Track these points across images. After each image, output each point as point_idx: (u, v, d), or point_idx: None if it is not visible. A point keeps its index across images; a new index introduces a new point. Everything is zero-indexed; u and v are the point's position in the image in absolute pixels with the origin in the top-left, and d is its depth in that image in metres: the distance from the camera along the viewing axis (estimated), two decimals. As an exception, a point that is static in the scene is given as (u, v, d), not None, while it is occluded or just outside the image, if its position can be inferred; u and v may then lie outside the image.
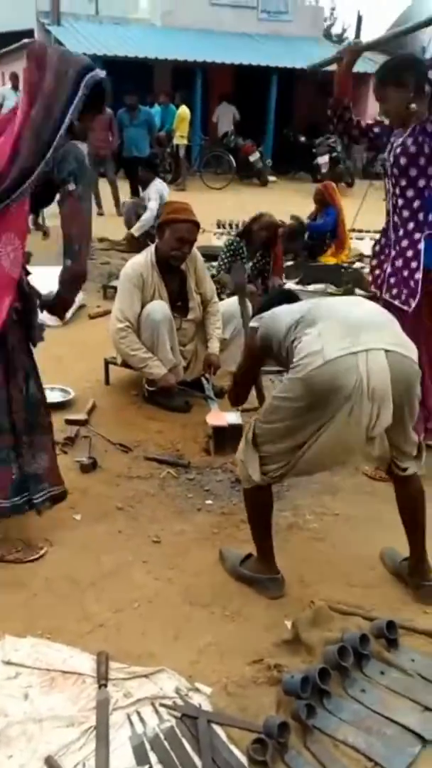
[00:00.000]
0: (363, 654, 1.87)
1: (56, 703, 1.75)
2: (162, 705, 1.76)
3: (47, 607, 2.11)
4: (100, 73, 2.12)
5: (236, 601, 2.17)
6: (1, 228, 2.04)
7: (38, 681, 1.82)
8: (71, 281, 2.29)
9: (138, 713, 1.73)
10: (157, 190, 6.94)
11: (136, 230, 7.15)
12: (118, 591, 2.19)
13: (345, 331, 1.83)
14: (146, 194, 7.19)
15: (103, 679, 1.81)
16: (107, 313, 4.81)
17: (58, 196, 2.17)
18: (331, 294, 5.59)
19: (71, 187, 2.12)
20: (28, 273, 2.27)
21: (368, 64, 16.25)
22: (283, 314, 2.07)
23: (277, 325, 2.05)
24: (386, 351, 1.83)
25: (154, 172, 7.14)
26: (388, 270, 2.90)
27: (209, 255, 6.10)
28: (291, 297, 2.32)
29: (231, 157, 13.94)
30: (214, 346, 3.58)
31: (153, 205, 6.91)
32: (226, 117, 15.20)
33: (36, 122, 2.03)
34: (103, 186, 9.30)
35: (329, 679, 1.78)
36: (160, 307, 3.38)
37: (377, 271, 2.99)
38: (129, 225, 7.33)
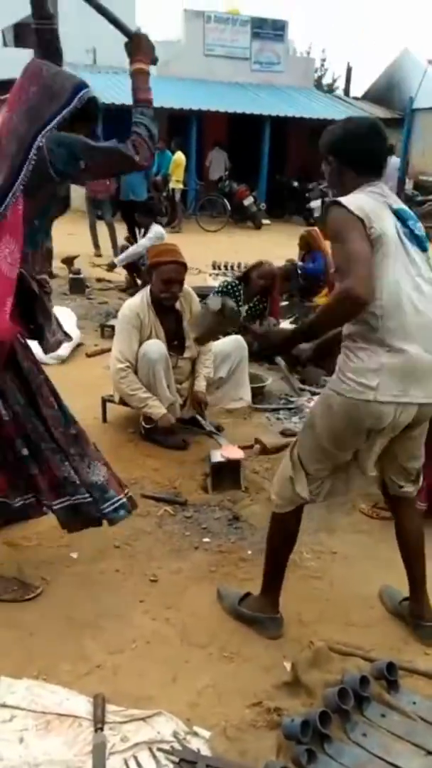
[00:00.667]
0: (363, 696, 1.85)
1: (52, 747, 1.71)
2: (160, 749, 1.72)
3: (43, 647, 2.07)
4: (92, 91, 2.15)
5: (234, 641, 2.15)
6: None
7: (34, 724, 1.78)
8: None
9: (135, 758, 1.70)
10: (156, 235, 7.07)
11: (119, 261, 7.29)
12: (115, 631, 2.16)
13: (403, 379, 1.88)
14: (153, 233, 7.35)
15: (99, 723, 1.78)
16: (104, 351, 4.85)
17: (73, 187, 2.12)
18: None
19: (81, 165, 2.10)
20: (41, 279, 2.24)
21: (358, 113, 16.79)
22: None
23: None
24: (420, 405, 1.93)
25: (152, 218, 7.29)
26: None
27: (205, 295, 6.20)
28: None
29: (226, 201, 14.25)
30: (201, 384, 3.63)
31: (144, 242, 7.05)
32: (217, 162, 15.62)
33: (18, 126, 2.04)
34: (101, 229, 9.47)
35: (330, 723, 1.75)
36: (156, 347, 3.43)
37: None
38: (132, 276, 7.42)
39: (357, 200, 1.88)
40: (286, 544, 2.18)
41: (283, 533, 2.17)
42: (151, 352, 3.40)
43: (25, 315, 2.20)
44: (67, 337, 2.45)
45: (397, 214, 1.94)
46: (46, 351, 2.32)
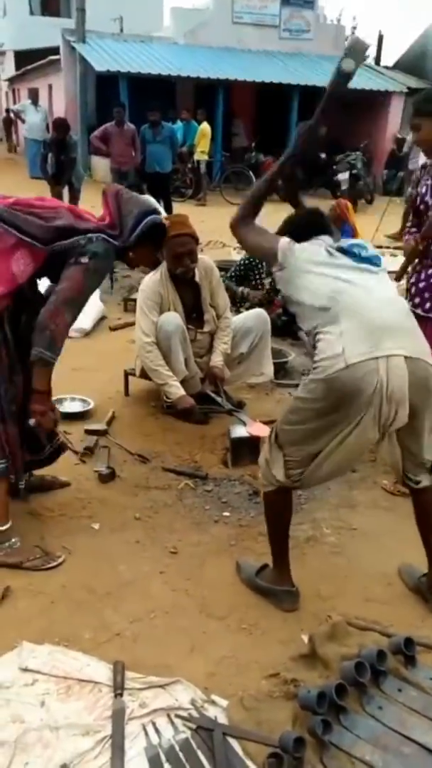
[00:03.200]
0: (380, 670, 1.85)
1: (72, 712, 1.76)
2: (177, 716, 1.75)
3: (64, 615, 2.12)
4: (159, 217, 2.45)
5: (253, 613, 2.17)
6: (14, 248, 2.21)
7: (55, 688, 1.83)
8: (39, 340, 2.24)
9: (153, 724, 1.73)
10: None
11: None
12: (135, 601, 2.20)
13: (367, 335, 1.84)
14: None
15: (119, 689, 1.81)
16: (128, 325, 4.86)
17: (66, 265, 2.27)
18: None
19: (84, 259, 2.24)
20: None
21: (390, 82, 16.36)
22: (312, 275, 2.02)
23: (302, 281, 2.03)
24: (406, 357, 1.85)
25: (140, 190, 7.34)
26: (421, 284, 2.97)
27: (228, 269, 6.15)
28: (319, 222, 2.25)
29: (251, 174, 14.03)
30: (217, 360, 3.59)
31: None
32: (238, 130, 15.39)
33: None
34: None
35: (346, 695, 1.76)
36: (172, 318, 3.42)
37: (412, 287, 3.06)
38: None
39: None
40: (280, 519, 2.19)
41: (274, 512, 2.19)
42: (167, 324, 3.40)
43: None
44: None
45: (343, 251, 2.07)
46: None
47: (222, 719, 1.74)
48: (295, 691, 1.80)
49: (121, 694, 1.80)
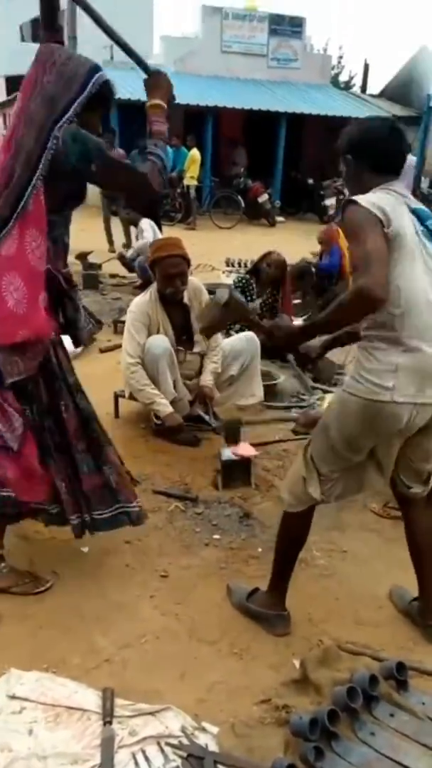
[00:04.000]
0: (372, 696, 1.84)
1: (61, 740, 1.73)
2: (168, 744, 1.73)
3: (53, 640, 2.09)
4: (106, 75, 2.12)
5: (244, 638, 2.15)
6: (23, 225, 2.01)
7: (43, 716, 1.80)
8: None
9: (143, 752, 1.70)
10: (149, 224, 7.14)
11: (129, 254, 7.36)
12: (124, 626, 2.17)
13: (420, 379, 1.87)
14: (139, 233, 7.45)
15: (108, 716, 1.78)
16: (117, 347, 4.86)
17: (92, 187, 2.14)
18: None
19: (93, 167, 2.06)
20: (66, 272, 2.24)
21: (375, 110, 16.68)
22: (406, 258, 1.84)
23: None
24: None
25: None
26: None
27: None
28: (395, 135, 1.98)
29: (240, 198, 14.22)
30: (207, 379, 3.62)
31: (148, 235, 7.11)
32: (240, 160, 15.55)
33: (34, 114, 2.00)
34: (115, 225, 9.49)
35: (338, 721, 1.75)
36: (160, 342, 3.44)
37: None
38: (143, 280, 7.48)
39: (374, 198, 1.86)
40: (296, 543, 2.18)
41: (293, 533, 2.17)
42: (154, 347, 3.42)
43: (55, 311, 2.20)
44: (99, 325, 2.44)
45: (416, 213, 1.91)
46: (79, 344, 2.33)
47: (213, 747, 1.72)
48: (287, 717, 1.78)
49: (110, 722, 1.77)
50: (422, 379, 1.87)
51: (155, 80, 2.29)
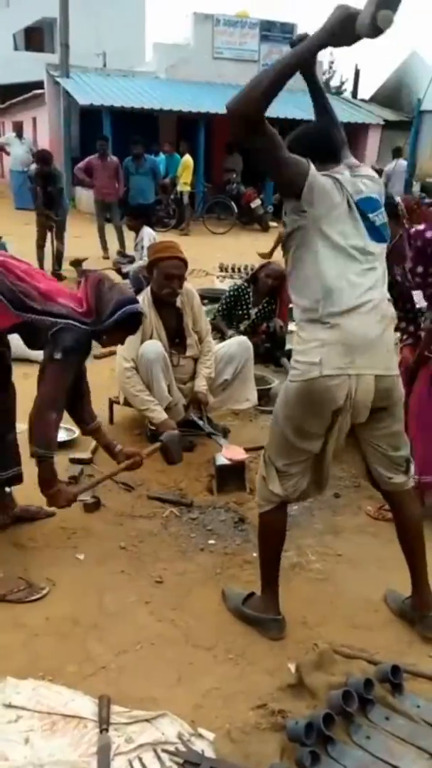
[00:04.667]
0: (368, 699, 1.85)
1: (57, 748, 1.72)
2: (164, 751, 1.73)
3: (48, 648, 2.09)
4: (137, 307, 2.58)
5: (239, 643, 2.15)
6: None
7: (39, 725, 1.79)
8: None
9: (140, 759, 1.70)
10: (148, 239, 7.12)
11: (132, 268, 7.35)
12: (120, 632, 2.17)
13: (345, 350, 1.92)
14: (139, 241, 7.40)
15: (104, 724, 1.78)
16: (112, 353, 4.84)
17: (43, 355, 2.43)
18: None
19: (58, 356, 2.38)
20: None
21: (367, 115, 16.79)
22: (325, 245, 1.92)
23: (315, 247, 1.92)
24: (376, 376, 1.96)
25: (142, 220, 7.34)
26: None
27: (212, 297, 6.21)
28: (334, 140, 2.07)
29: (233, 204, 14.26)
30: (201, 384, 3.63)
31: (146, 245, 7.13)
32: (236, 166, 15.55)
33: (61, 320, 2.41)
34: (110, 232, 9.51)
35: (334, 725, 1.75)
36: (153, 346, 3.45)
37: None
38: (135, 290, 7.49)
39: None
40: (274, 542, 2.20)
41: (268, 532, 2.20)
42: (148, 352, 3.43)
43: None
44: None
45: (359, 207, 1.96)
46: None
47: (209, 753, 1.72)
48: (283, 722, 1.78)
49: (106, 730, 1.77)
50: (349, 351, 1.91)
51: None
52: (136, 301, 2.61)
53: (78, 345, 2.45)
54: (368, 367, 1.94)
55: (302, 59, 1.88)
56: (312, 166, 1.89)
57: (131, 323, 2.60)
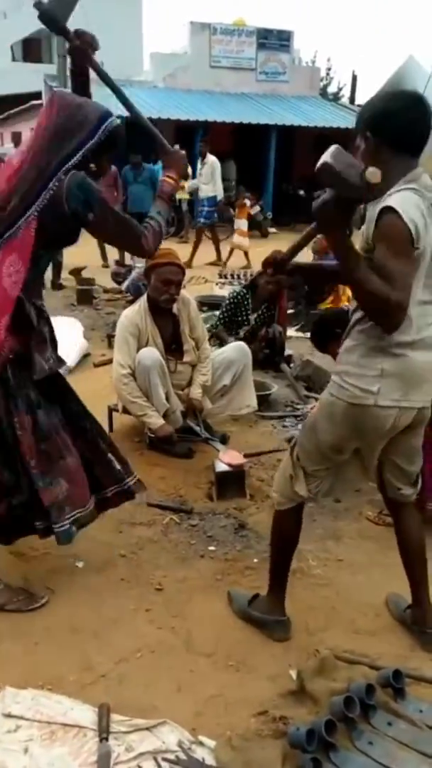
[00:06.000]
0: (370, 705, 1.83)
1: (57, 758, 1.71)
2: (165, 759, 1.71)
3: (48, 656, 2.08)
4: (116, 120, 2.20)
5: (240, 649, 2.14)
6: (7, 250, 2.07)
7: (39, 734, 1.78)
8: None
9: (140, 768, 1.69)
10: None
11: (124, 286, 7.40)
12: (120, 640, 2.16)
13: (403, 383, 1.89)
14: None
15: (104, 733, 1.77)
16: (111, 361, 4.87)
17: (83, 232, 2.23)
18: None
19: (90, 216, 2.16)
20: (39, 304, 2.29)
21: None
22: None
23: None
24: (419, 408, 1.95)
25: None
26: None
27: (211, 304, 6.22)
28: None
29: (231, 210, 14.29)
30: (196, 392, 3.64)
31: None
32: (230, 173, 15.63)
33: (41, 153, 2.08)
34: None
35: (336, 732, 1.74)
36: (150, 353, 3.46)
37: None
38: (134, 297, 7.52)
39: (410, 209, 1.77)
40: (288, 541, 2.20)
41: (284, 531, 2.19)
42: (145, 359, 3.44)
43: (20, 334, 2.21)
44: (61, 363, 2.45)
45: None
46: (34, 374, 2.27)
47: (210, 760, 1.70)
48: (284, 728, 1.77)
49: (106, 738, 1.75)
50: (406, 385, 1.89)
51: (172, 159, 2.46)
52: (111, 113, 2.20)
53: (89, 185, 2.17)
54: (419, 401, 1.93)
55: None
56: (415, 239, 1.76)
57: (115, 139, 2.23)
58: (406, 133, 1.85)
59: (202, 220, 10.30)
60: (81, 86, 2.42)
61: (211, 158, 9.65)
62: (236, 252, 10.25)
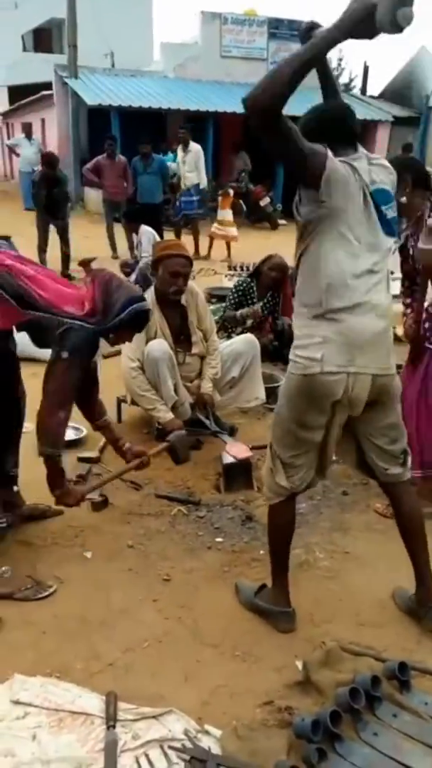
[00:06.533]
0: (375, 696, 1.84)
1: (64, 745, 1.73)
2: (171, 747, 1.73)
3: (56, 645, 2.10)
4: (145, 305, 2.57)
5: (246, 640, 2.15)
6: None
7: (47, 721, 1.80)
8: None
9: (146, 756, 1.71)
10: (147, 238, 7.14)
11: (133, 277, 7.38)
12: (127, 630, 2.18)
13: (346, 348, 1.93)
14: (138, 241, 7.42)
15: (111, 721, 1.79)
16: (119, 353, 4.88)
17: (51, 354, 2.43)
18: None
19: (65, 354, 2.38)
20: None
21: (376, 111, 16.72)
22: (337, 240, 1.90)
23: (327, 237, 1.90)
24: (374, 375, 1.97)
25: (138, 221, 7.36)
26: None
27: (220, 296, 6.21)
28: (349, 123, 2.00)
29: (242, 202, 14.24)
30: (206, 386, 3.64)
31: (146, 248, 7.16)
32: (245, 166, 15.53)
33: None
34: (119, 231, 9.52)
35: (341, 722, 1.75)
36: (158, 345, 3.46)
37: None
38: (143, 287, 7.51)
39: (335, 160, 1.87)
40: (283, 534, 2.21)
41: (277, 524, 2.21)
42: (153, 351, 3.44)
43: None
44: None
45: (373, 197, 1.94)
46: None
47: (216, 749, 1.72)
48: (290, 719, 1.78)
49: (113, 726, 1.77)
50: (349, 348, 1.92)
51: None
52: (144, 299, 2.61)
53: (85, 344, 2.45)
54: (367, 367, 1.96)
55: (321, 53, 1.83)
56: (330, 155, 1.85)
57: (139, 321, 2.61)
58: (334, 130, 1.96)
59: (192, 211, 9.94)
60: None
61: (195, 146, 9.52)
62: (216, 243, 10.08)
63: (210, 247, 10.12)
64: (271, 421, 2.18)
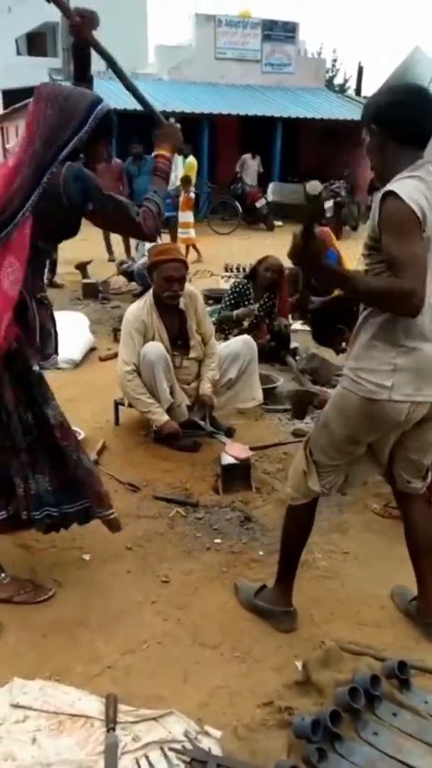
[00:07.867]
0: (375, 695, 1.84)
1: (64, 748, 1.73)
2: (171, 749, 1.73)
3: (55, 648, 2.09)
4: (108, 105, 2.17)
5: (246, 641, 2.15)
6: (4, 253, 2.06)
7: (46, 724, 1.80)
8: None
9: (147, 758, 1.71)
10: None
11: (136, 265, 7.38)
12: (126, 632, 2.18)
13: (416, 378, 1.88)
14: (137, 241, 7.42)
15: (111, 723, 1.79)
16: (117, 355, 4.88)
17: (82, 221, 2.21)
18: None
19: (89, 207, 2.13)
20: (43, 303, 2.27)
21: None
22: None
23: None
24: None
25: None
26: None
27: (217, 297, 6.22)
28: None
29: (238, 204, 14.26)
30: (206, 388, 3.64)
31: (143, 249, 7.17)
32: (251, 170, 15.48)
33: (37, 150, 2.06)
34: (115, 234, 9.51)
35: (341, 722, 1.75)
36: (155, 348, 3.46)
37: None
38: (143, 287, 7.50)
39: (413, 193, 1.75)
40: (300, 536, 2.21)
41: (297, 525, 2.20)
42: (149, 354, 3.44)
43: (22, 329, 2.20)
44: (54, 357, 2.41)
45: None
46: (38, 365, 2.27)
47: (216, 750, 1.72)
48: (290, 719, 1.78)
49: (113, 729, 1.77)
50: (419, 379, 1.89)
51: (165, 132, 2.37)
52: (101, 99, 2.18)
53: (82, 173, 2.12)
54: (431, 395, 1.92)
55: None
56: (418, 213, 1.73)
57: (108, 122, 2.18)
58: (411, 126, 1.85)
59: (171, 213, 9.75)
60: (80, 66, 2.38)
61: None
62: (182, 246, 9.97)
63: (187, 252, 10.08)
64: (315, 426, 2.13)
